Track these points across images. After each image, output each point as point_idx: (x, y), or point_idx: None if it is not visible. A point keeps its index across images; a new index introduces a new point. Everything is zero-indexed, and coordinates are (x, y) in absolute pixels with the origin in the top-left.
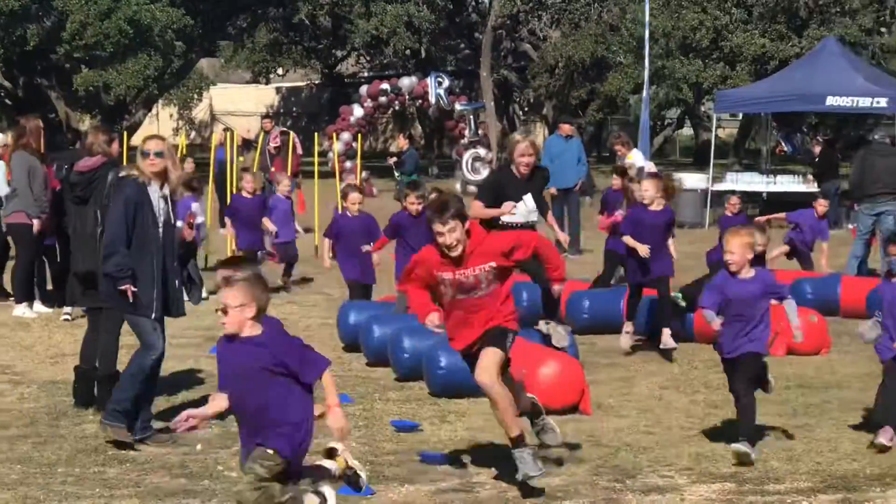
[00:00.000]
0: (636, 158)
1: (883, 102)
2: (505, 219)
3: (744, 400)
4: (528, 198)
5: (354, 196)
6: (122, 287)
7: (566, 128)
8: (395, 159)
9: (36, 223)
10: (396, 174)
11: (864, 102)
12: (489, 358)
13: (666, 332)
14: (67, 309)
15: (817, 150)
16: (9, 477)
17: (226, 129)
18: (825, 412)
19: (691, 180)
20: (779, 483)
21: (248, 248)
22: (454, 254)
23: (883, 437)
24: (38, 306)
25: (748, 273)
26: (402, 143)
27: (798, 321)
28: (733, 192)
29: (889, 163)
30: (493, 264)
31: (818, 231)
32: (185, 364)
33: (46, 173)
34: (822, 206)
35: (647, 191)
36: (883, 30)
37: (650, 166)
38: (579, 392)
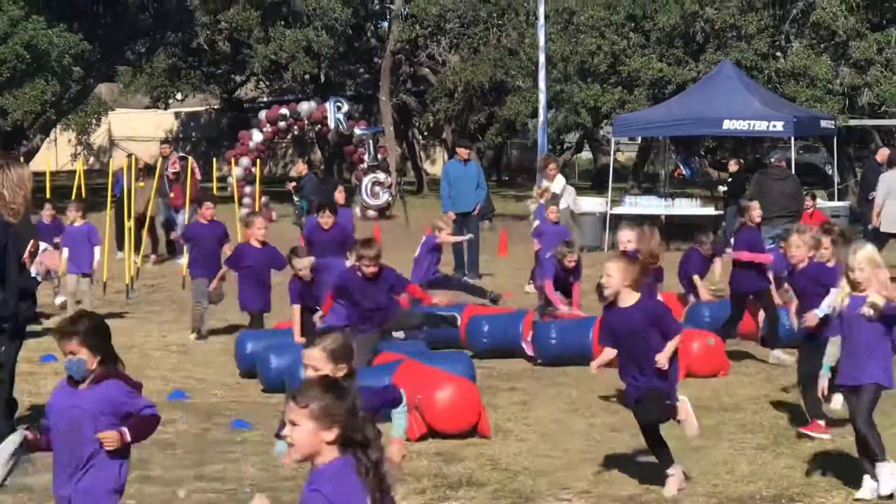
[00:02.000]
0: (556, 185)
1: (779, 126)
2: None
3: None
4: None
5: (260, 221)
6: None
7: (463, 152)
8: (293, 184)
9: None
10: (295, 199)
11: (761, 126)
12: None
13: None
14: None
15: (733, 168)
16: None
17: (129, 155)
18: (722, 434)
19: (589, 204)
20: None
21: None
22: None
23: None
24: None
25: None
26: (301, 167)
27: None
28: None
29: (784, 186)
30: None
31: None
32: None
33: None
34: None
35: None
36: (778, 54)
37: (570, 193)
38: (476, 415)
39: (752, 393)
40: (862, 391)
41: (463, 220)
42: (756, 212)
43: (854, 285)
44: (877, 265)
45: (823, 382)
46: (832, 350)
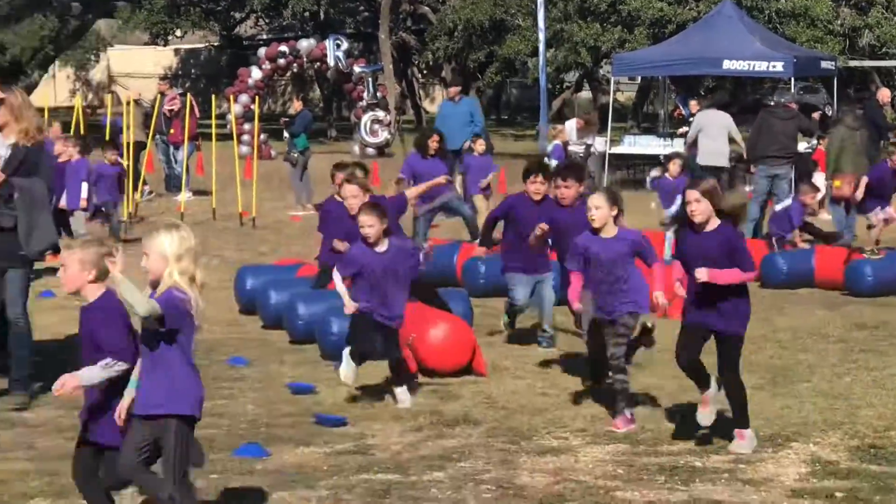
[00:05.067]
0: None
1: (779, 66)
2: None
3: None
4: None
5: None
6: None
7: (452, 90)
8: (285, 120)
9: None
10: (285, 134)
11: (761, 66)
12: None
13: None
14: None
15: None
16: None
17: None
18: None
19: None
20: (672, 444)
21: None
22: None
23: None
24: None
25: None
26: (297, 104)
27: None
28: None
29: (786, 126)
30: None
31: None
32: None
33: None
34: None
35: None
36: None
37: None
38: (470, 352)
39: (749, 333)
40: None
41: (455, 156)
42: None
43: None
44: None
45: None
46: None
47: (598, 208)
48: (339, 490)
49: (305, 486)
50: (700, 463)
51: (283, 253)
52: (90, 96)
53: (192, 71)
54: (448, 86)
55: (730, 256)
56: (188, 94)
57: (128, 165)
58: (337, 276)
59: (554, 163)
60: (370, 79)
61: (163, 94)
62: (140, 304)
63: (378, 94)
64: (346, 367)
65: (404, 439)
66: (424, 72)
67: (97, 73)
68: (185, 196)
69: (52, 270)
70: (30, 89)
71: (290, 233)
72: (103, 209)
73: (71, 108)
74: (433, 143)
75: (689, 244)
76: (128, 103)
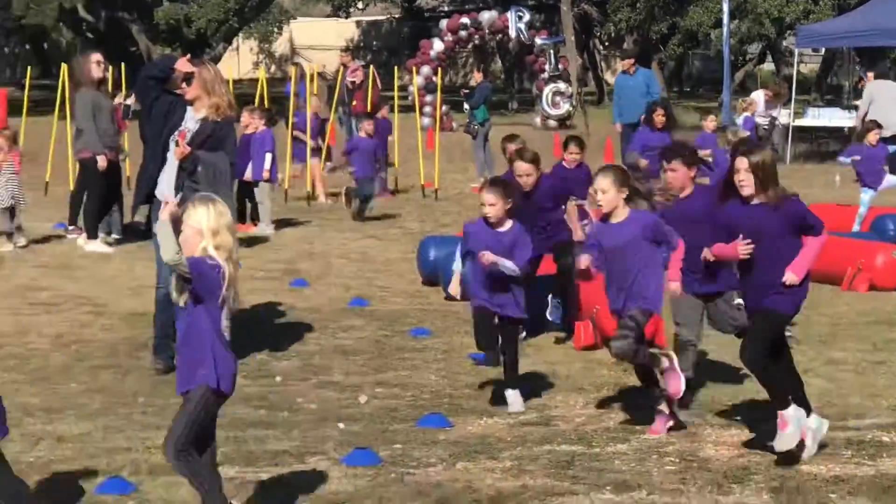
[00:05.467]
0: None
1: None
2: None
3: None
4: None
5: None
6: None
7: (626, 63)
8: (465, 91)
9: (100, 159)
10: (465, 106)
11: None
12: None
13: None
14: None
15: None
16: (91, 407)
17: (295, 64)
18: None
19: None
20: (860, 419)
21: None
22: None
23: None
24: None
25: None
26: (477, 76)
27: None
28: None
29: None
30: None
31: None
32: (266, 297)
33: (113, 108)
34: None
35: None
36: None
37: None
38: (653, 325)
39: None
40: None
41: (631, 129)
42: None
43: None
44: None
45: None
46: None
47: (605, 192)
48: (522, 461)
49: (489, 456)
50: (888, 438)
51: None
52: (273, 68)
53: (374, 43)
54: (622, 58)
55: (798, 229)
56: (370, 66)
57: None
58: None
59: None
60: (552, 51)
61: (345, 66)
62: (169, 249)
63: (559, 67)
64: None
65: (587, 411)
66: (606, 44)
67: (280, 46)
68: None
69: (243, 241)
70: (214, 62)
71: (471, 204)
72: (356, 181)
73: (254, 81)
74: (658, 117)
75: (738, 217)
76: (311, 77)
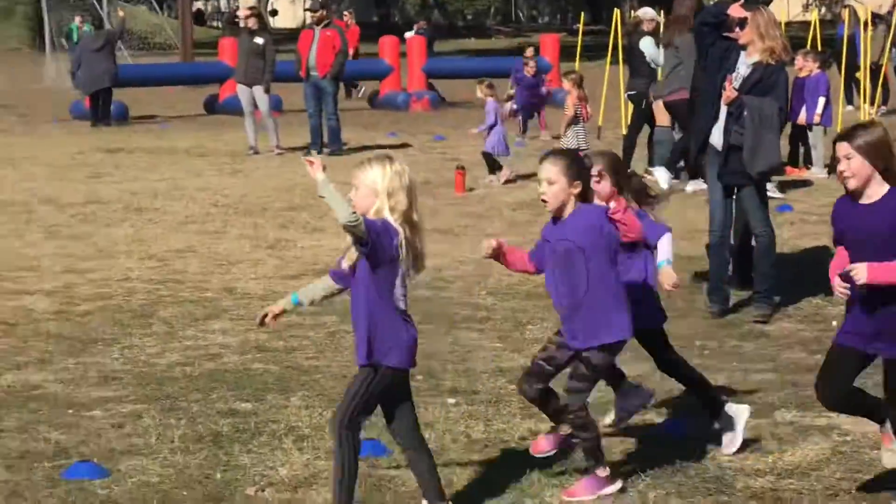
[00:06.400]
0: None
1: None
2: None
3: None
4: None
5: None
6: None
7: None
8: None
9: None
10: None
11: None
12: None
13: None
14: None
15: None
16: None
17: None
18: None
19: None
20: None
21: None
22: None
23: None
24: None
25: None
26: None
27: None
28: None
29: None
30: None
31: None
32: (820, 241)
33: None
34: None
35: None
36: None
37: None
38: None
39: None
40: None
41: None
42: None
43: None
44: None
45: None
46: None
47: (551, 183)
48: None
49: None
50: None
51: None
52: (822, 10)
53: None
54: None
55: None
56: None
57: None
58: None
59: None
60: None
61: None
62: (343, 209)
63: None
64: None
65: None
66: None
67: None
68: None
69: (794, 184)
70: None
71: None
72: None
73: (804, 23)
74: None
75: (847, 220)
76: (864, 22)
